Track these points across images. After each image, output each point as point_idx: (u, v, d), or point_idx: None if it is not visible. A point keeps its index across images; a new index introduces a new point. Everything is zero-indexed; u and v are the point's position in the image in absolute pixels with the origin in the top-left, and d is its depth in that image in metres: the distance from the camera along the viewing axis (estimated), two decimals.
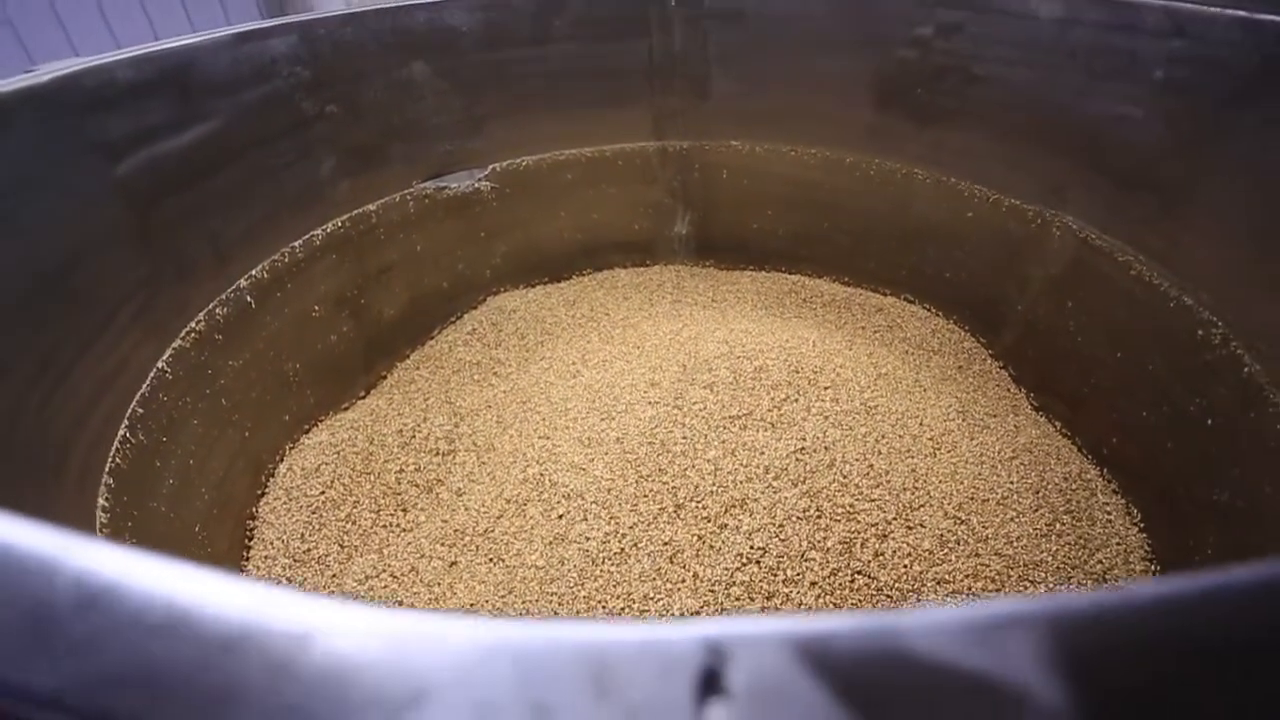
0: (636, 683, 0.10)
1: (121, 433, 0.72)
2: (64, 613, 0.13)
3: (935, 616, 0.11)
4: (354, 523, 0.96)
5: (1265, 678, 0.10)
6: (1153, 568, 0.87)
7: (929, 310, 1.32)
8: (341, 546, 0.93)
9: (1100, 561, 0.85)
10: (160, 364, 0.81)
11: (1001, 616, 0.11)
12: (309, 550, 0.92)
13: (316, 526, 0.95)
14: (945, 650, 0.11)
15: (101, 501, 0.65)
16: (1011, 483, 0.90)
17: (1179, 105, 0.86)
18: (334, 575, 0.90)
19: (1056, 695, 0.10)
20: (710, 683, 0.10)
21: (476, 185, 1.30)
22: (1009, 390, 1.15)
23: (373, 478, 1.01)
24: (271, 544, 0.92)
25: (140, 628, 0.12)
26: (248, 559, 0.91)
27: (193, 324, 0.87)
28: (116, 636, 0.12)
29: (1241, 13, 0.77)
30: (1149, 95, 0.88)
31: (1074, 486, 0.95)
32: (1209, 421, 0.82)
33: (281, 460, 1.04)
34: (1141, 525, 0.92)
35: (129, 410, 0.74)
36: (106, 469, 0.68)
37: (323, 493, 0.98)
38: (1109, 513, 0.93)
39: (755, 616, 0.11)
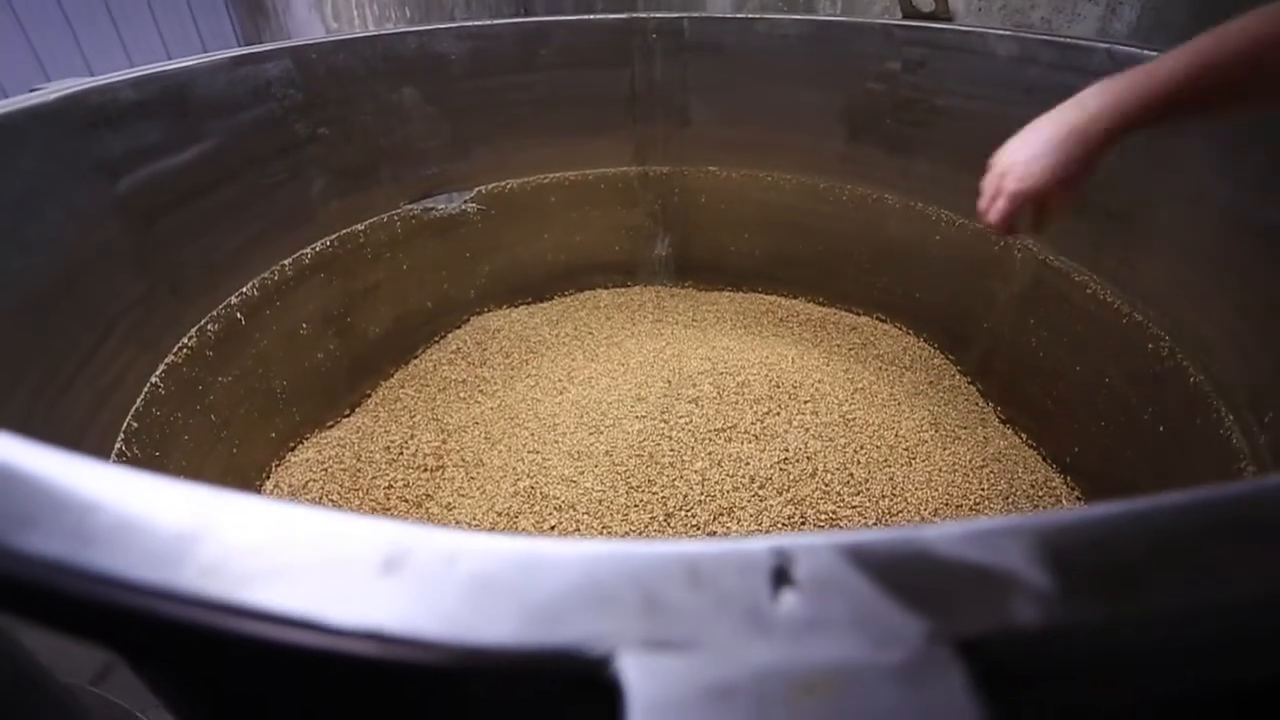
0: (723, 578, 0.13)
1: (118, 447, 0.72)
2: None
3: (947, 528, 0.14)
4: None
5: (1196, 560, 0.14)
6: None
7: (900, 329, 1.38)
8: None
9: None
10: (154, 378, 0.81)
11: (998, 527, 0.14)
12: None
13: None
14: (955, 550, 0.14)
15: None
16: (982, 490, 0.94)
17: (1125, 136, 0.93)
18: None
19: (1039, 577, 0.13)
20: (780, 576, 0.13)
21: (462, 207, 1.33)
22: (977, 404, 1.21)
23: (361, 494, 1.02)
24: None
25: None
26: None
27: (185, 339, 0.88)
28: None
29: None
30: None
31: (1041, 494, 1.00)
32: (1160, 429, 0.88)
33: (268, 477, 1.04)
34: None
35: (124, 424, 0.74)
36: None
37: None
38: None
39: (808, 533, 0.14)
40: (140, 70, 0.80)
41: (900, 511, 0.86)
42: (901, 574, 0.13)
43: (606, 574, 0.13)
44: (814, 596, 0.13)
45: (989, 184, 0.65)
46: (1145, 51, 0.88)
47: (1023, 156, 0.62)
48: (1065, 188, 0.60)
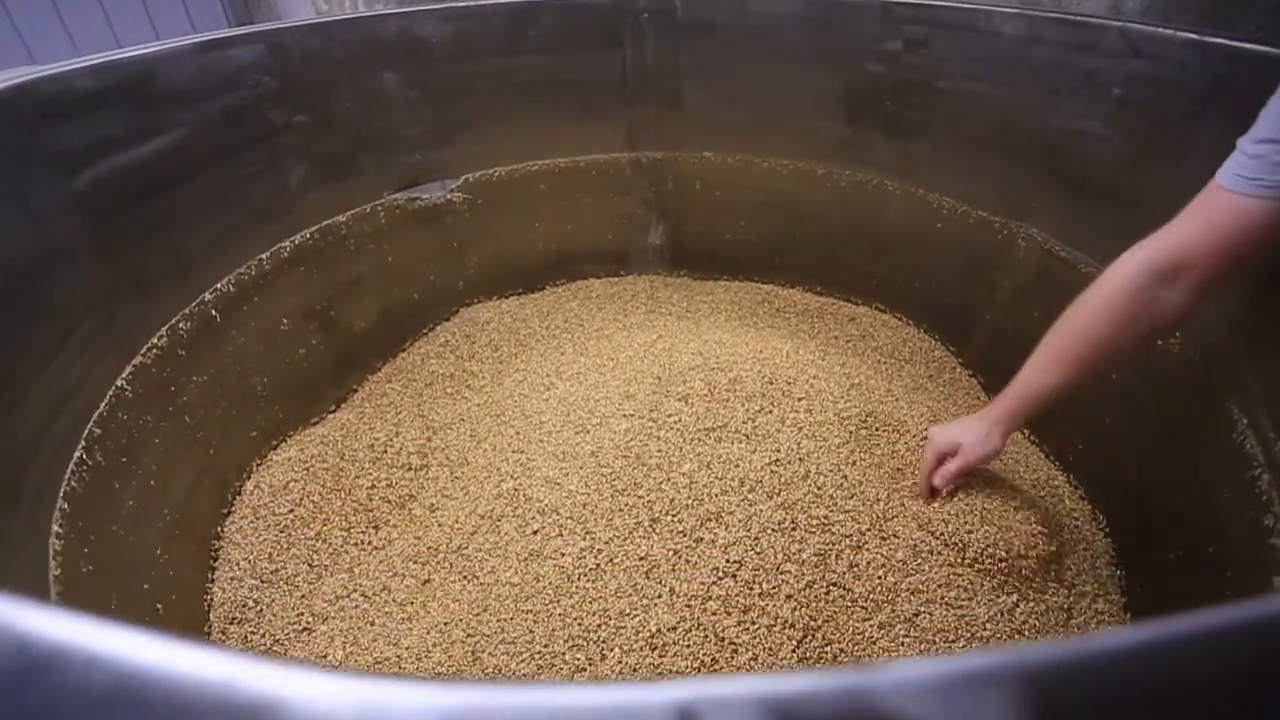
0: None
1: (78, 455, 0.69)
2: (7, 682, 0.12)
3: (905, 674, 0.11)
4: (324, 541, 0.94)
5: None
6: (1118, 572, 0.89)
7: (900, 319, 1.34)
8: (311, 566, 0.91)
9: (1069, 567, 0.87)
10: (120, 381, 0.78)
11: (972, 673, 0.11)
12: (277, 570, 0.90)
13: (285, 546, 0.92)
14: (916, 711, 0.11)
15: (55, 528, 0.62)
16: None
17: (1136, 121, 0.88)
18: (303, 596, 0.87)
19: None
20: None
21: (449, 196, 1.29)
22: (979, 399, 1.17)
23: (343, 494, 0.99)
24: (238, 565, 0.90)
25: (85, 701, 0.12)
26: (213, 581, 0.89)
27: (154, 340, 0.85)
28: (60, 710, 0.12)
29: (1193, 35, 0.80)
30: (1108, 111, 0.91)
31: (1042, 494, 0.96)
32: (1169, 431, 0.84)
33: (249, 478, 1.02)
34: (1107, 530, 0.94)
35: (86, 431, 0.71)
36: (61, 493, 0.65)
37: (291, 510, 0.96)
38: (1076, 519, 0.95)
39: (727, 677, 0.11)
40: (97, 58, 0.76)
41: (895, 516, 0.83)
42: None
43: None
44: None
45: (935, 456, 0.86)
46: (1160, 30, 0.83)
47: (967, 440, 0.82)
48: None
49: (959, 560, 0.80)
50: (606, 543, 0.80)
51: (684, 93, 1.32)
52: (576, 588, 0.77)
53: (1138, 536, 0.89)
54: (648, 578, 0.77)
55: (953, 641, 0.75)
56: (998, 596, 0.79)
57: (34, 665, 0.12)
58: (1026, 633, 0.78)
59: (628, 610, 0.74)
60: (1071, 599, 0.84)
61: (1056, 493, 0.98)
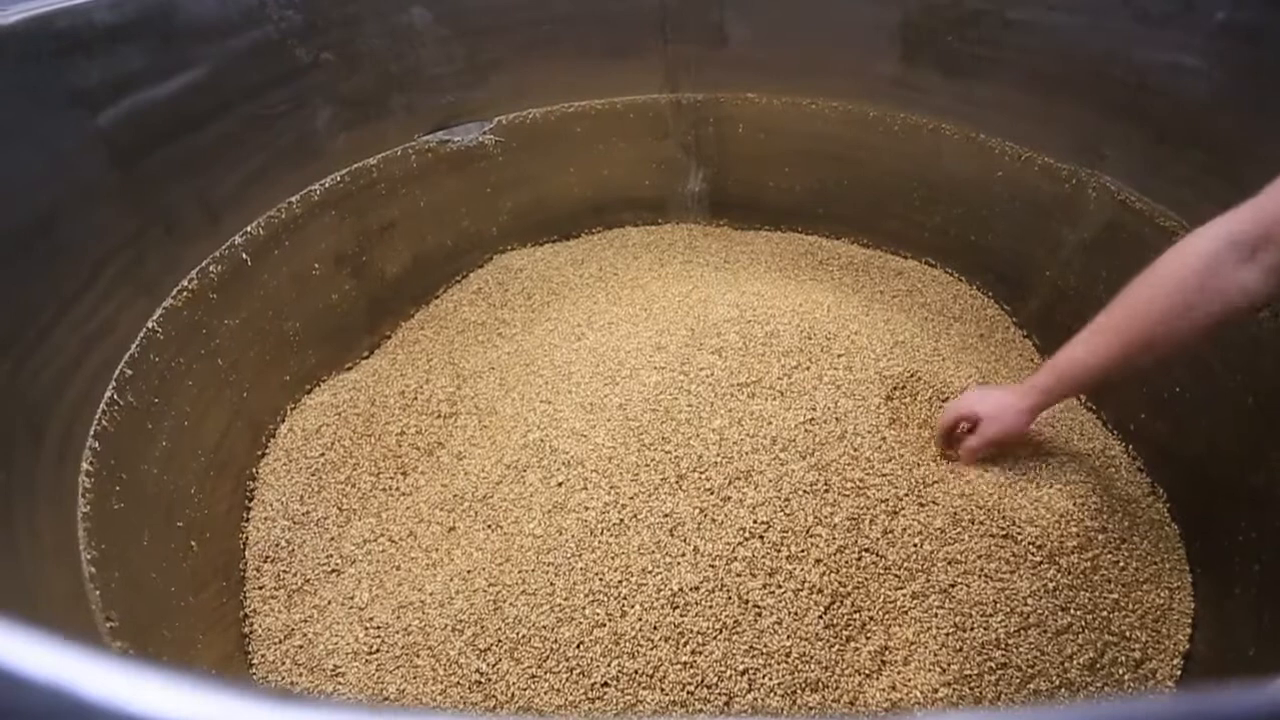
0: None
1: (109, 395, 0.70)
2: None
3: None
4: (353, 485, 0.95)
5: None
6: (1179, 552, 0.84)
7: (951, 275, 1.27)
8: (340, 509, 0.92)
9: (1125, 546, 0.81)
10: (151, 323, 0.79)
11: None
12: (308, 513, 0.91)
13: (316, 489, 0.94)
14: None
15: (85, 466, 0.63)
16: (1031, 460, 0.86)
17: (1241, 51, 0.78)
18: (332, 538, 0.89)
19: None
20: None
21: (481, 139, 1.25)
22: (1032, 361, 1.10)
23: (373, 440, 1.00)
24: (271, 505, 0.91)
25: None
26: (247, 520, 0.91)
27: (185, 282, 0.85)
28: None
29: None
30: (1207, 41, 0.80)
31: (1098, 464, 0.90)
32: (1249, 400, 0.77)
33: (282, 421, 1.03)
34: (1168, 506, 0.88)
35: (117, 371, 0.72)
36: (92, 433, 0.66)
37: (323, 454, 0.97)
38: (1135, 493, 0.89)
39: None
40: None
41: (936, 481, 0.79)
42: None
43: None
44: None
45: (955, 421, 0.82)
46: None
47: (987, 413, 0.78)
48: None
49: (1002, 531, 0.76)
50: (631, 498, 0.79)
51: (727, 28, 1.23)
52: (599, 542, 0.76)
53: (1203, 515, 0.83)
54: (672, 535, 0.75)
55: (990, 615, 0.72)
56: (1043, 571, 0.75)
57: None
58: (1073, 611, 0.74)
59: (650, 568, 0.73)
60: (1127, 577, 0.79)
61: (1113, 463, 0.92)
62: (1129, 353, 0.65)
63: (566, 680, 0.69)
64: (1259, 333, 0.76)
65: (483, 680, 0.71)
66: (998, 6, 1.01)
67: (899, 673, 0.70)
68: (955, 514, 0.77)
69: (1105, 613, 0.76)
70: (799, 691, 0.67)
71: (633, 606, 0.71)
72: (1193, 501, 0.85)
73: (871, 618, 0.72)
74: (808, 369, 0.91)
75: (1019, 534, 0.76)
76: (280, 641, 0.80)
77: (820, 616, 0.70)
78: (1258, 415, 0.76)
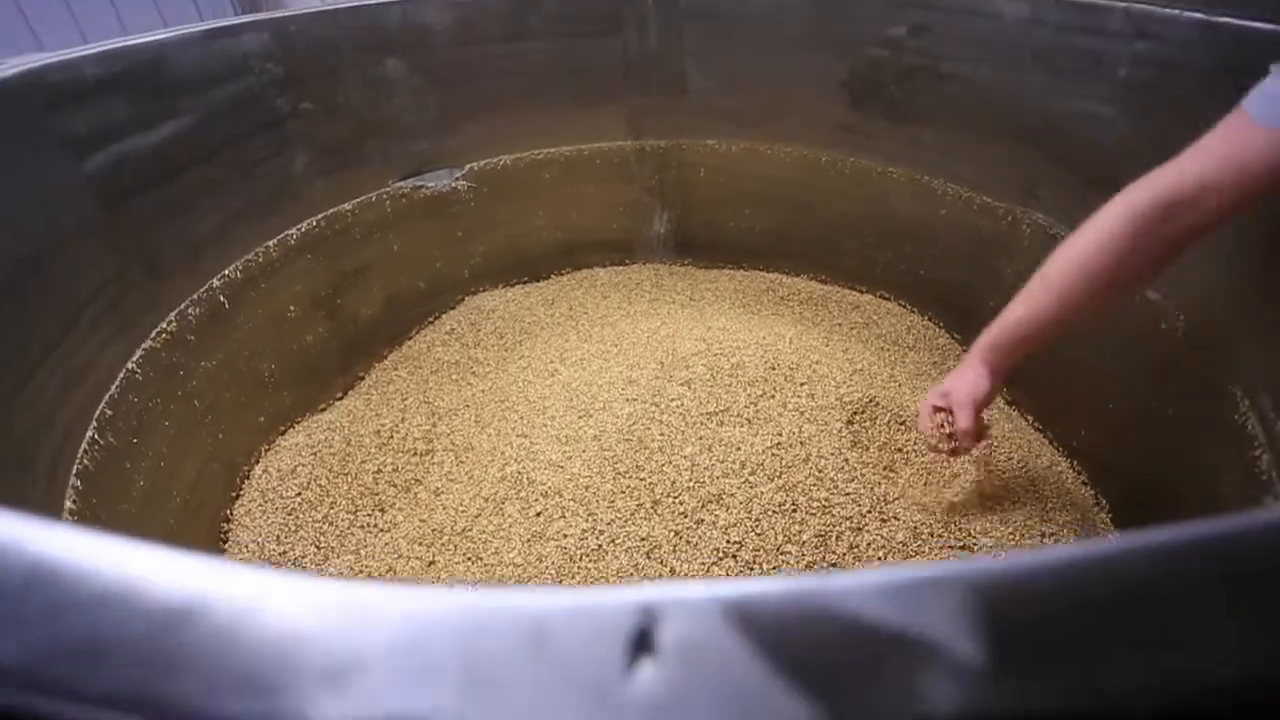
0: (572, 644, 0.11)
1: (90, 434, 0.71)
2: (14, 589, 0.13)
3: (857, 579, 0.12)
4: (331, 524, 0.95)
5: (1151, 627, 0.11)
6: None
7: (904, 307, 1.34)
8: (318, 548, 0.92)
9: None
10: (130, 364, 0.80)
11: (920, 579, 0.11)
12: (285, 552, 0.91)
13: (293, 528, 0.94)
14: (865, 609, 0.11)
15: (69, 504, 0.64)
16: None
17: (1143, 104, 0.88)
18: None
19: (967, 649, 0.11)
20: (641, 642, 0.11)
21: (454, 184, 1.30)
22: None
23: (350, 478, 1.01)
24: (246, 547, 0.91)
25: (89, 601, 0.12)
26: None
27: (164, 324, 0.86)
28: (66, 610, 0.12)
29: (1200, 15, 0.80)
30: (1113, 94, 0.90)
31: (1048, 479, 0.96)
32: (1170, 412, 0.84)
33: (257, 462, 1.03)
34: (1110, 516, 0.94)
35: (98, 411, 0.73)
36: (74, 471, 0.67)
37: (299, 494, 0.97)
38: (1081, 505, 0.95)
39: (689, 581, 0.11)
40: (105, 45, 0.77)
41: (896, 499, 0.83)
42: (793, 640, 0.11)
43: (428, 636, 0.11)
44: (677, 669, 0.10)
45: (933, 413, 0.81)
46: (1165, 10, 0.83)
47: (950, 383, 0.80)
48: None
49: (959, 543, 0.81)
50: (608, 524, 0.81)
51: (687, 79, 1.32)
52: (579, 568, 0.78)
53: (1141, 523, 0.89)
54: (649, 558, 0.78)
55: None
56: None
57: (38, 574, 0.13)
58: None
59: None
60: None
61: (1060, 478, 0.98)
62: (1068, 305, 0.69)
63: None
64: (1175, 353, 0.83)
65: None
66: (931, 61, 1.11)
67: None
68: (915, 528, 0.81)
69: None
70: None
71: None
72: (1132, 511, 0.91)
73: None
74: (773, 397, 0.95)
75: (975, 544, 0.80)
76: None
77: None
78: (1177, 426, 0.83)
